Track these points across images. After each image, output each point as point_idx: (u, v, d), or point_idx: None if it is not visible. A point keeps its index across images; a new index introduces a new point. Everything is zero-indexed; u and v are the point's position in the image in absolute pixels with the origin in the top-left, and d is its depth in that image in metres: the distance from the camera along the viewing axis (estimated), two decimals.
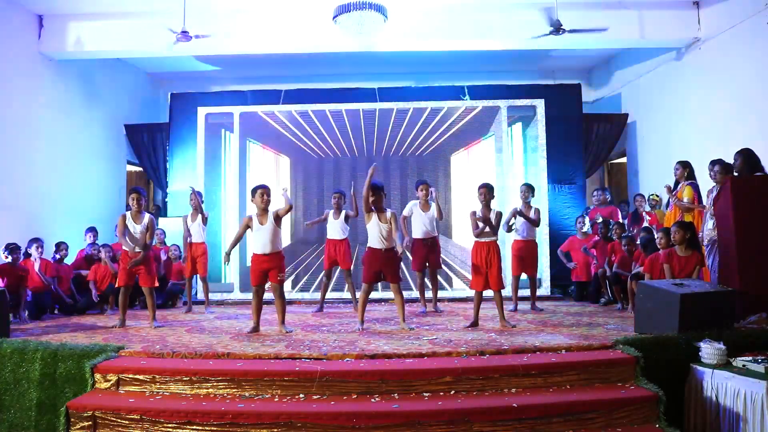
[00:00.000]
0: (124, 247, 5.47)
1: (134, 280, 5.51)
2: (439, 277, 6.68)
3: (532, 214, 6.12)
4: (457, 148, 8.04)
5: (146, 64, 9.39)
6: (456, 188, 8.03)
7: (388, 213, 5.06)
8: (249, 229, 5.10)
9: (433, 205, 6.14)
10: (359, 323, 5.07)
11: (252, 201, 5.11)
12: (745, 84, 6.51)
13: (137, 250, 5.43)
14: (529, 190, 6.25)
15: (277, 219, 5.05)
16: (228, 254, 5.12)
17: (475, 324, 5.17)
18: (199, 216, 6.65)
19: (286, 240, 7.35)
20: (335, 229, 6.43)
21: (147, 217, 5.54)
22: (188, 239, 6.60)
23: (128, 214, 5.52)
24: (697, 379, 3.75)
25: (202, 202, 6.86)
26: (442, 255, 6.59)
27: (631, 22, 7.26)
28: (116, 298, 6.42)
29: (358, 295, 5.58)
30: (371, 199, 5.00)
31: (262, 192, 5.04)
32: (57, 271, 6.48)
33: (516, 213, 6.14)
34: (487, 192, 5.24)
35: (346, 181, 7.92)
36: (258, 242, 5.05)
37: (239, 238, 5.22)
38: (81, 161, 8.18)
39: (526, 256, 6.22)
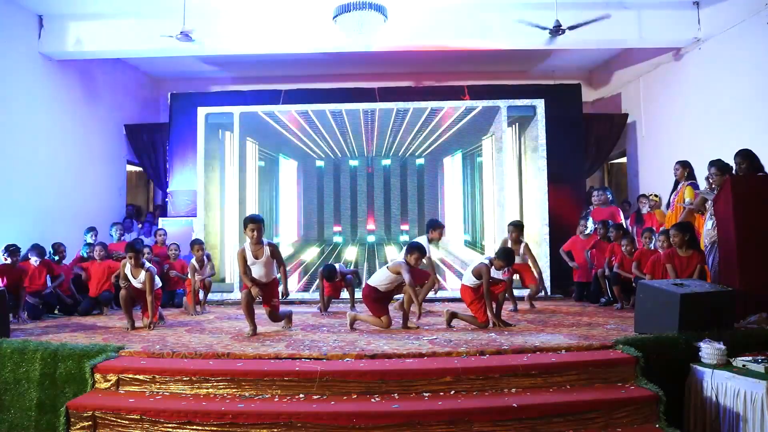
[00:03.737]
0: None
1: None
2: (439, 277, 6.78)
3: (521, 249, 6.11)
4: (457, 148, 8.03)
5: (146, 64, 9.40)
6: (453, 188, 8.02)
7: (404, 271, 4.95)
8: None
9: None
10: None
11: (244, 232, 4.93)
12: (745, 84, 6.51)
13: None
14: (517, 229, 6.16)
15: (275, 254, 4.94)
16: (251, 287, 4.81)
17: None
18: (205, 260, 6.60)
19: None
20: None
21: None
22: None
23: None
24: (697, 379, 3.75)
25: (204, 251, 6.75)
26: (441, 255, 6.58)
27: (630, 22, 7.26)
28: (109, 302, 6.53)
29: (359, 295, 5.56)
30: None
31: (253, 227, 4.83)
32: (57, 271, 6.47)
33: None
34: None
35: (346, 181, 7.92)
36: (253, 273, 4.92)
37: (245, 270, 4.88)
38: (81, 161, 8.18)
39: (519, 269, 6.13)
